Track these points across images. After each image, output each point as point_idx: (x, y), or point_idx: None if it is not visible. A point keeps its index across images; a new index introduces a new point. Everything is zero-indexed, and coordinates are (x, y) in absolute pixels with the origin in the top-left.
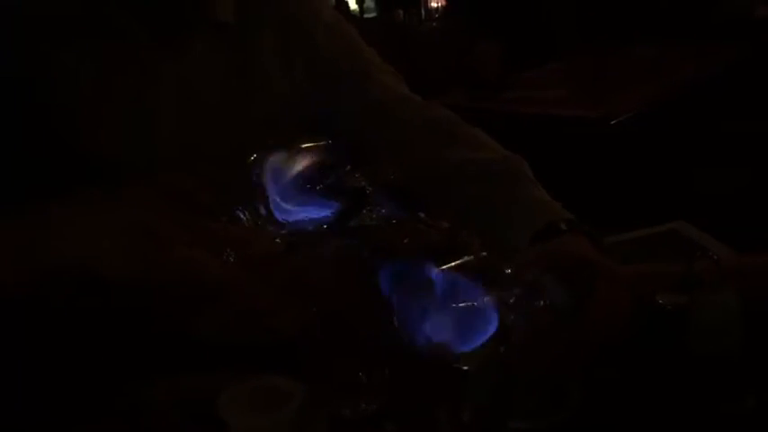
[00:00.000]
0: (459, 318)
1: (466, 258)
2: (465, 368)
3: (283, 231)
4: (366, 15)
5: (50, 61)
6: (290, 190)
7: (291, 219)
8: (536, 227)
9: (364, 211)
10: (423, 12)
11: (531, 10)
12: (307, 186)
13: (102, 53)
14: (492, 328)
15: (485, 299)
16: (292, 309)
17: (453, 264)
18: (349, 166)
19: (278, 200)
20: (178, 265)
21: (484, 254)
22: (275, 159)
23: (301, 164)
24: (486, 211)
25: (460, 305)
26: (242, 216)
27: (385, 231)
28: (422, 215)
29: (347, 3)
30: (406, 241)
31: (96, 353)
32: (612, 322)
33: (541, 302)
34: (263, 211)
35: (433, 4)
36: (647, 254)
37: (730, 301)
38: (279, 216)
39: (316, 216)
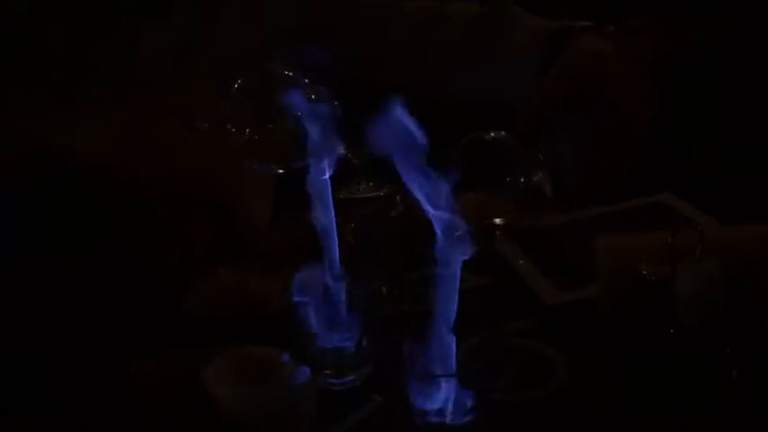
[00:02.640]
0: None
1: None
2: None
3: None
4: None
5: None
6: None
7: None
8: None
9: (352, 183)
10: None
11: None
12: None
13: (80, 20)
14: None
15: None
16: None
17: None
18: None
19: None
20: (160, 144)
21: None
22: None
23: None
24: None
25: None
26: None
27: (373, 203)
28: None
29: None
30: (393, 214)
31: (76, 317)
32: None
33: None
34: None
35: None
36: (632, 225)
37: (713, 272)
38: None
39: None
